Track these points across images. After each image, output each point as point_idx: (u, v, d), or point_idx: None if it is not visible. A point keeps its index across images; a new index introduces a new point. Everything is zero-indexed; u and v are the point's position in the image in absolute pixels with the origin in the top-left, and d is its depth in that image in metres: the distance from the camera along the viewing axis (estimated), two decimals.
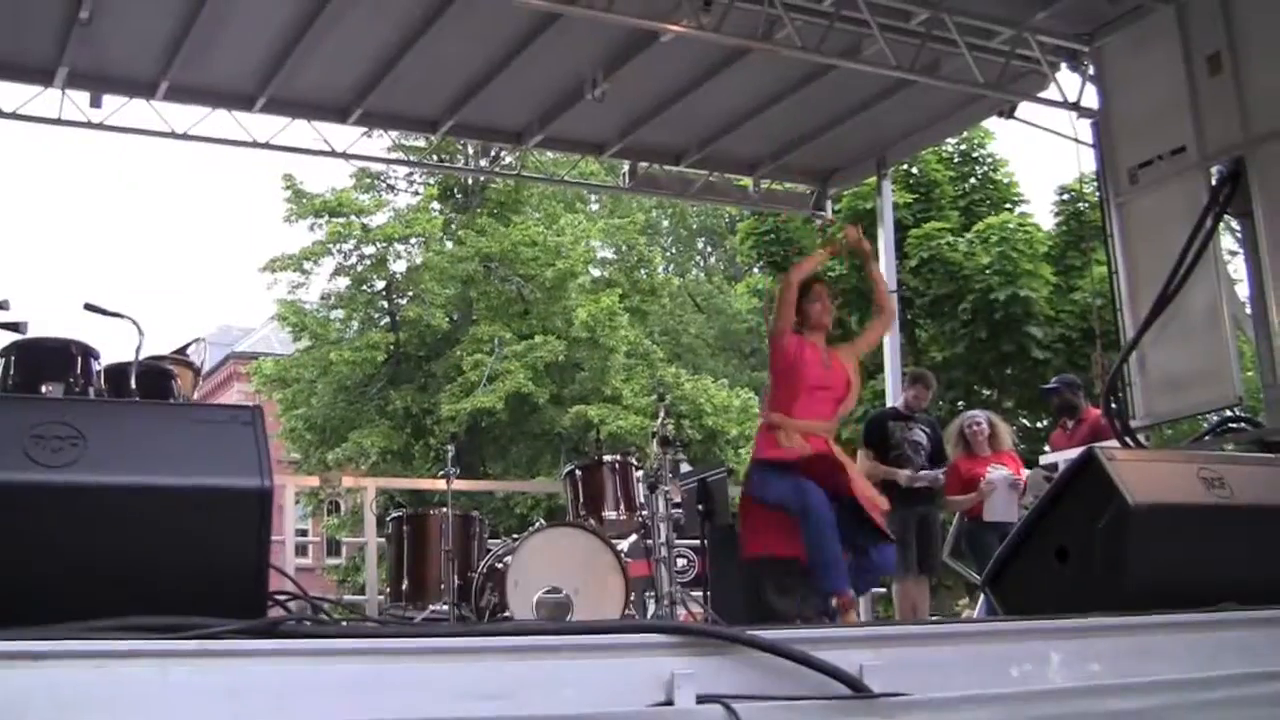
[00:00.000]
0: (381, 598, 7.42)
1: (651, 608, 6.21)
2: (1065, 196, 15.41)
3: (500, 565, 5.84)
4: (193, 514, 2.71)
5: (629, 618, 5.66)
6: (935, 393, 8.58)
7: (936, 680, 2.84)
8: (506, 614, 5.55)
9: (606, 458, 6.39)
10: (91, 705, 2.15)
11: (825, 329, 5.75)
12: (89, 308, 4.84)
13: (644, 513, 6.08)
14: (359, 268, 22.72)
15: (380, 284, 23.07)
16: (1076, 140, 8.35)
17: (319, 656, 2.38)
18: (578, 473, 6.41)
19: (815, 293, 5.72)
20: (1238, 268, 9.03)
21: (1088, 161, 8.35)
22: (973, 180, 16.31)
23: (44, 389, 4.39)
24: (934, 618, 8.32)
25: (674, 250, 32.44)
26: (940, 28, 7.52)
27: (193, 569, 2.70)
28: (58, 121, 7.98)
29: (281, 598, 3.94)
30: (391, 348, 22.40)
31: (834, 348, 5.79)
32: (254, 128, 8.58)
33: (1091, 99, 8.06)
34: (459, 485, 7.74)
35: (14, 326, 4.78)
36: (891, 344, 9.60)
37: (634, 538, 6.44)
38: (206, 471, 2.73)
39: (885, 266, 9.91)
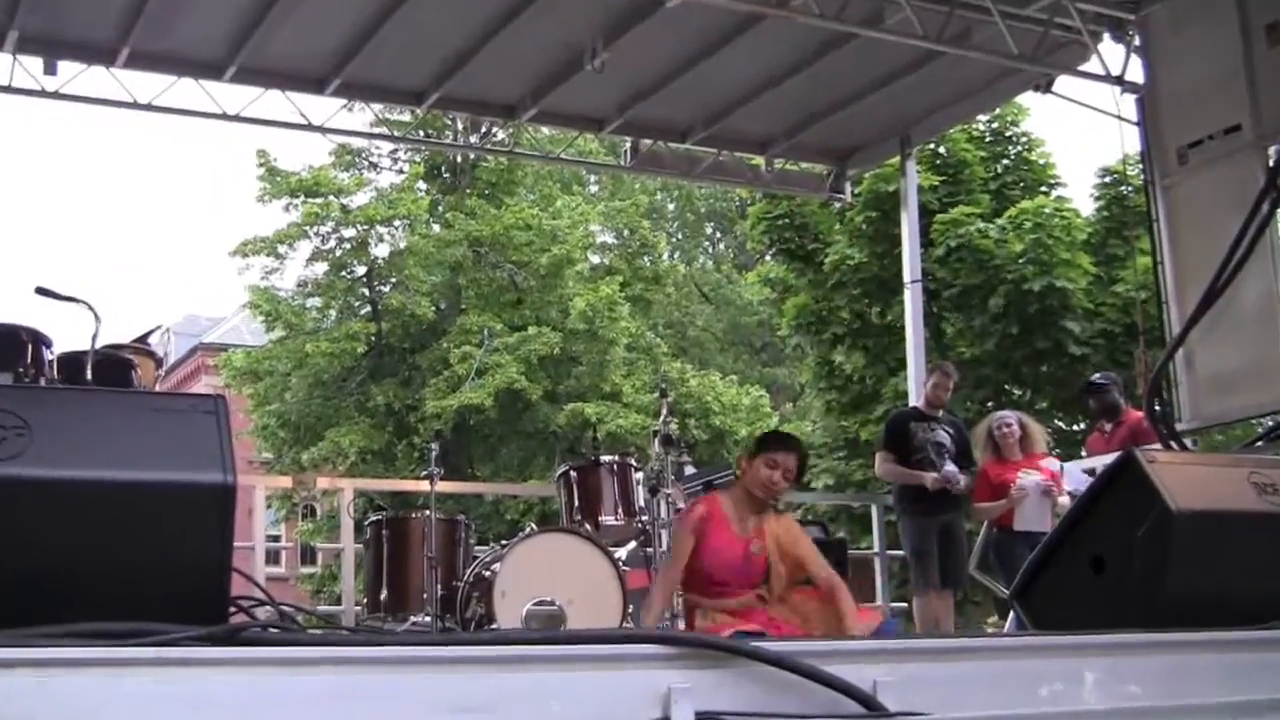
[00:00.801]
0: (359, 608, 7.42)
1: None
2: (1107, 179, 15.36)
3: (487, 574, 5.85)
4: (149, 511, 2.70)
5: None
6: (959, 384, 8.54)
7: (957, 699, 2.84)
8: (493, 626, 5.55)
9: (604, 458, 6.39)
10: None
11: (764, 505, 5.04)
12: (41, 291, 4.85)
13: (644, 518, 6.09)
14: (338, 252, 22.77)
15: (361, 270, 23.12)
16: (1120, 118, 8.32)
17: (286, 666, 2.39)
18: (573, 474, 6.40)
19: (776, 459, 4.98)
20: None
21: (1132, 141, 8.31)
22: (1005, 161, 16.28)
23: None
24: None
25: (680, 236, 32.49)
26: None
27: (149, 571, 2.70)
28: (8, 90, 7.95)
29: (246, 603, 3.94)
30: (373, 339, 22.44)
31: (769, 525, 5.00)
32: (224, 98, 8.56)
33: (1137, 72, 8.04)
34: (444, 487, 7.74)
35: None
36: (915, 340, 9.57)
37: (633, 545, 6.45)
38: (164, 465, 2.73)
39: (909, 254, 9.91)
